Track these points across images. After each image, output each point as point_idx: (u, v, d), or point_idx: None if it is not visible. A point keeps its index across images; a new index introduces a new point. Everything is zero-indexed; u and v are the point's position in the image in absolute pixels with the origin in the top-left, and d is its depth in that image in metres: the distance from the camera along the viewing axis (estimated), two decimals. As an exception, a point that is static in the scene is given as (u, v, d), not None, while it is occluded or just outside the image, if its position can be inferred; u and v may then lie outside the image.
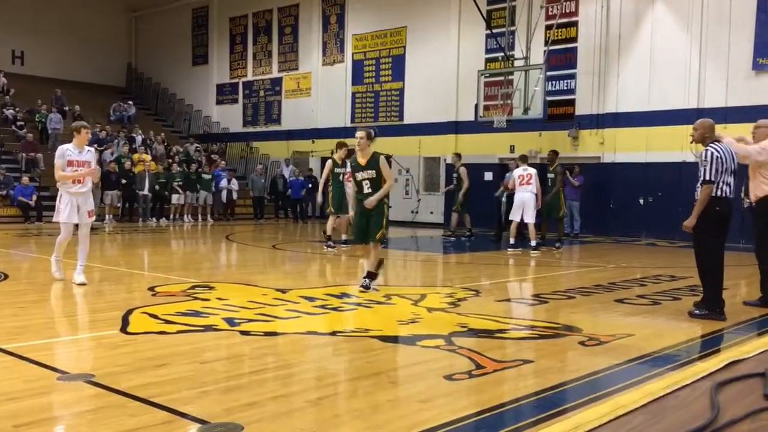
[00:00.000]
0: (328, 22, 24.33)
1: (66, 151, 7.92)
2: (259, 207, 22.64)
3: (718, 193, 6.49)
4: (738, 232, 16.12)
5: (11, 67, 27.27)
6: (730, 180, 6.50)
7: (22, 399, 3.76)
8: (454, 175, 16.82)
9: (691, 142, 6.97)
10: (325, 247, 12.76)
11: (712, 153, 6.47)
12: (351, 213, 13.35)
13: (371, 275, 7.84)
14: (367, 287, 7.73)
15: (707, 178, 6.43)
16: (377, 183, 7.72)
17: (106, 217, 19.16)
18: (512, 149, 19.29)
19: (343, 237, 13.65)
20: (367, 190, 7.73)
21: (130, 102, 27.41)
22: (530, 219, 13.11)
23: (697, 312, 6.61)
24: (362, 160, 7.76)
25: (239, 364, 4.81)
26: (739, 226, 16.03)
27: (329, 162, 12.65)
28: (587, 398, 3.92)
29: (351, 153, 14.05)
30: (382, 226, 7.75)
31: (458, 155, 17.10)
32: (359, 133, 7.76)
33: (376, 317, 6.55)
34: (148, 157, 21.34)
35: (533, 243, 13.02)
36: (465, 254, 13.31)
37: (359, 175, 7.77)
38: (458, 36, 20.77)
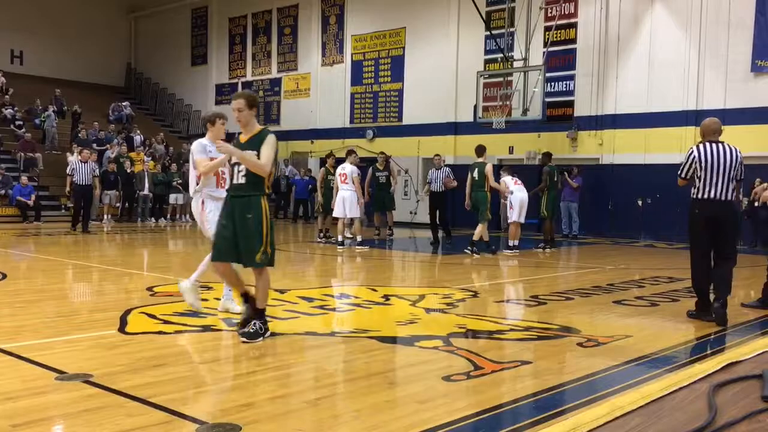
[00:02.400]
0: (327, 22, 24.33)
1: (206, 146, 6.29)
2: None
3: (699, 194, 6.43)
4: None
5: (10, 66, 27.27)
6: (718, 182, 6.33)
7: (19, 399, 3.76)
8: (385, 173, 16.41)
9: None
10: (470, 252, 12.50)
11: (690, 151, 6.54)
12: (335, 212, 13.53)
13: (256, 311, 5.34)
14: (250, 334, 5.24)
15: (678, 172, 6.64)
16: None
17: (105, 216, 19.16)
18: (511, 150, 19.31)
19: (339, 237, 13.64)
20: (239, 180, 5.33)
21: (126, 102, 27.39)
22: (522, 219, 13.20)
23: (692, 312, 6.67)
24: (244, 137, 5.45)
25: (237, 365, 4.81)
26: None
27: (489, 166, 12.69)
28: (585, 399, 3.92)
29: (351, 153, 14.22)
30: (262, 242, 5.19)
31: (383, 153, 17.12)
32: (236, 102, 5.36)
33: (374, 318, 6.55)
34: (144, 157, 21.32)
35: (511, 243, 13.05)
36: (464, 255, 13.29)
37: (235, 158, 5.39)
38: (457, 37, 20.78)
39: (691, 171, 6.47)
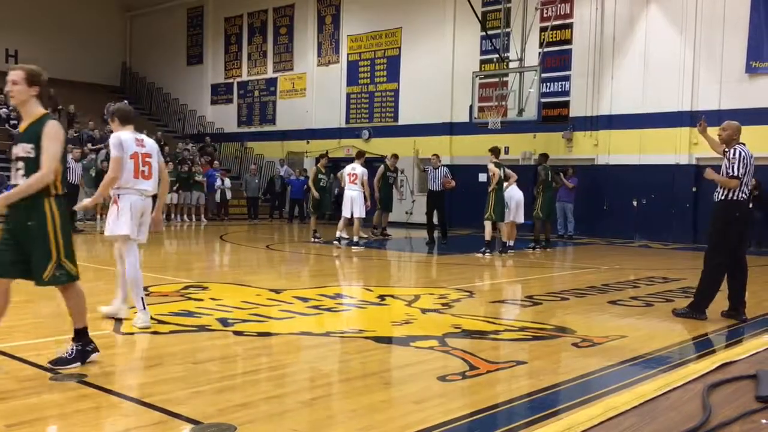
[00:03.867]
0: (323, 22, 24.32)
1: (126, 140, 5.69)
2: (253, 207, 22.65)
3: (740, 195, 6.48)
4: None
5: (4, 65, 27.12)
6: (749, 183, 6.57)
7: (14, 399, 3.75)
8: (394, 174, 17.06)
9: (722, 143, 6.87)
10: (483, 255, 12.51)
11: (740, 152, 6.49)
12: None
13: (75, 332, 4.52)
14: (58, 360, 4.41)
15: (735, 174, 6.42)
16: (36, 167, 4.23)
17: (99, 216, 19.10)
18: (507, 151, 19.30)
19: (355, 238, 13.60)
20: (19, 180, 4.29)
21: (126, 101, 27.31)
22: (519, 219, 13.26)
23: (683, 311, 6.72)
24: (23, 125, 4.42)
25: (232, 365, 4.80)
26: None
27: (495, 166, 12.69)
28: (580, 399, 3.93)
29: (361, 154, 14.29)
30: (51, 255, 4.24)
31: (396, 156, 17.28)
32: (13, 74, 4.31)
33: (369, 318, 6.55)
34: None
35: (509, 243, 13.06)
36: (459, 255, 13.32)
37: (14, 151, 4.41)
38: (453, 37, 20.79)
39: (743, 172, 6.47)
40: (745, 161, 6.46)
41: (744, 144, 6.68)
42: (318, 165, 14.96)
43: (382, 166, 16.29)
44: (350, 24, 23.51)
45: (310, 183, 14.87)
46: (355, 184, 13.41)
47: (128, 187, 5.65)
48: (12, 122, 23.05)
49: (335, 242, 13.60)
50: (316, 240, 14.47)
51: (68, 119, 24.11)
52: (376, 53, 22.84)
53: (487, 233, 12.69)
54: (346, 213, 13.57)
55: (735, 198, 6.48)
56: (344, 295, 8.07)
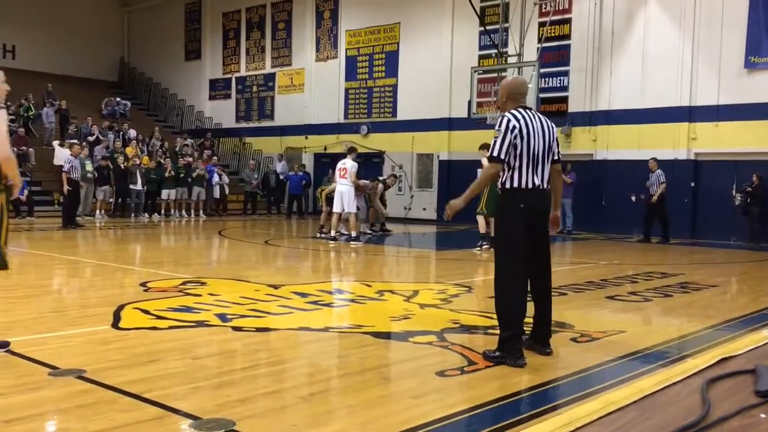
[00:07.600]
0: (321, 17, 24.29)
1: None
2: (252, 203, 22.63)
3: (517, 182, 4.68)
4: (729, 229, 16.23)
5: (2, 61, 27.04)
6: (539, 163, 4.73)
7: (12, 395, 3.75)
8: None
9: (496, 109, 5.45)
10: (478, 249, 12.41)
11: (508, 120, 4.67)
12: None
13: None
14: None
15: (494, 154, 4.66)
16: None
17: (98, 212, 19.09)
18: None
19: (332, 233, 13.69)
20: None
21: (119, 98, 27.20)
22: None
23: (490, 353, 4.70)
24: None
25: (231, 360, 4.80)
26: (730, 223, 16.18)
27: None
28: (579, 394, 3.93)
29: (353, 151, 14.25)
30: None
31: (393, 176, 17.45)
32: None
33: (368, 313, 6.55)
34: (134, 151, 21.19)
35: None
36: (458, 251, 13.31)
37: None
38: (452, 32, 20.77)
39: (509, 148, 4.65)
40: (517, 132, 4.62)
41: (527, 109, 4.83)
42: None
43: (381, 185, 16.29)
44: (348, 19, 23.47)
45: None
46: (345, 179, 13.36)
47: None
48: (10, 118, 22.97)
49: (330, 240, 13.61)
50: (323, 236, 14.40)
51: (62, 115, 24.05)
52: (374, 48, 22.81)
53: (481, 226, 12.64)
54: (337, 208, 13.52)
55: (517, 186, 4.68)
56: (343, 291, 8.07)
